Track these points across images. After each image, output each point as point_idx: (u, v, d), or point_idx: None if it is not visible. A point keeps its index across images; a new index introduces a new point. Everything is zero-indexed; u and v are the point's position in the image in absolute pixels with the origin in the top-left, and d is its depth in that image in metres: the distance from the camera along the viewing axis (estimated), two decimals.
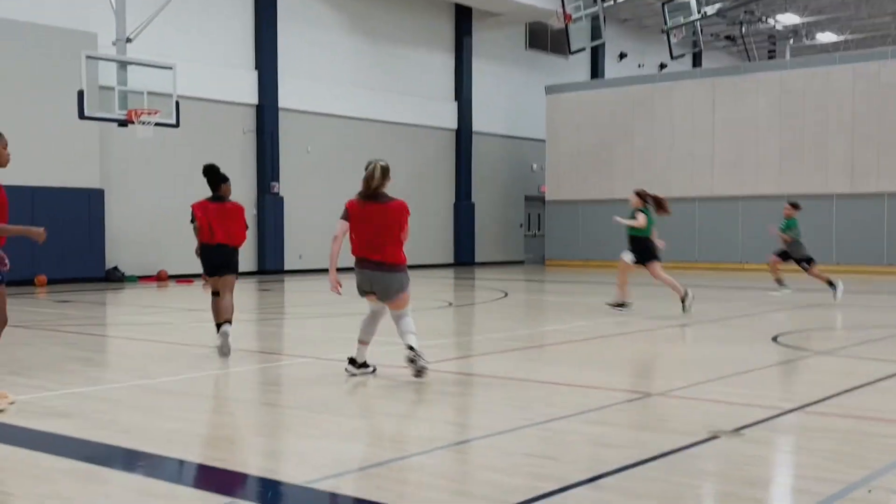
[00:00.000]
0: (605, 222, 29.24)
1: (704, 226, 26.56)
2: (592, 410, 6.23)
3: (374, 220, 7.33)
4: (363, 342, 7.69)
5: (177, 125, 17.09)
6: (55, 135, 19.25)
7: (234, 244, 9.08)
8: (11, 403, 6.30)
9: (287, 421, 6.12)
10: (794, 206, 15.95)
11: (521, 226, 32.72)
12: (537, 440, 5.47)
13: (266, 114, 24.18)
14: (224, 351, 8.80)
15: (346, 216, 7.47)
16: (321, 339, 11.01)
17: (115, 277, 20.94)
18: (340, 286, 7.53)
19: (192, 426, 5.97)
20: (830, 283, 15.01)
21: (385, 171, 7.46)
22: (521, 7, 29.13)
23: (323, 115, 25.58)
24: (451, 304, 15.51)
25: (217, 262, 9.06)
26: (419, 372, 7.30)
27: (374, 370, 7.72)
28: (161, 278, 21.70)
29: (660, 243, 13.23)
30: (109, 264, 21.09)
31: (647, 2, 31.77)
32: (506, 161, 31.80)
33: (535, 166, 32.29)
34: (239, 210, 9.17)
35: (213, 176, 9.07)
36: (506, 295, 16.23)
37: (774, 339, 10.09)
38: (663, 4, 28.71)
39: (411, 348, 7.35)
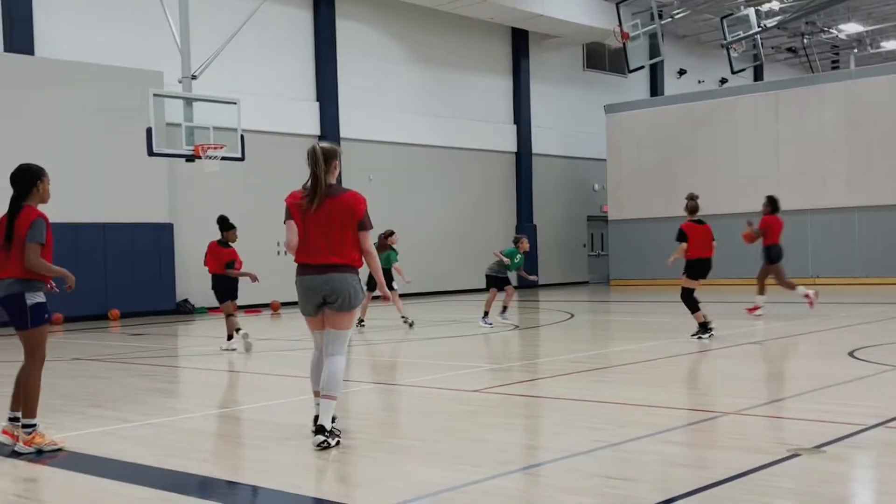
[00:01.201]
0: (670, 240, 29.10)
1: None
2: (667, 430, 6.15)
3: (323, 219, 6.13)
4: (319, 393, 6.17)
5: (242, 159, 17.39)
6: (125, 172, 19.77)
7: (219, 273, 11.95)
8: (58, 449, 6.06)
9: (361, 446, 6.15)
10: (518, 241, 14.99)
11: (584, 246, 32.53)
12: (612, 461, 5.42)
13: None
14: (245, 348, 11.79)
15: (290, 215, 6.19)
16: (386, 364, 11.07)
17: (185, 309, 21.34)
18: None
19: (268, 453, 6.05)
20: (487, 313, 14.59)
21: (329, 155, 6.22)
22: (577, 28, 29.13)
23: (384, 143, 25.82)
24: (517, 326, 15.47)
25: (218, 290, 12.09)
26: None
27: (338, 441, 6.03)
28: None
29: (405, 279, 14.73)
30: (180, 297, 21.50)
31: (706, 17, 31.52)
32: (567, 182, 31.70)
33: (596, 186, 32.13)
34: (231, 252, 11.96)
35: (223, 224, 11.95)
36: (572, 316, 16.13)
37: (851, 353, 9.86)
38: (722, 19, 28.43)
39: (322, 430, 5.93)
